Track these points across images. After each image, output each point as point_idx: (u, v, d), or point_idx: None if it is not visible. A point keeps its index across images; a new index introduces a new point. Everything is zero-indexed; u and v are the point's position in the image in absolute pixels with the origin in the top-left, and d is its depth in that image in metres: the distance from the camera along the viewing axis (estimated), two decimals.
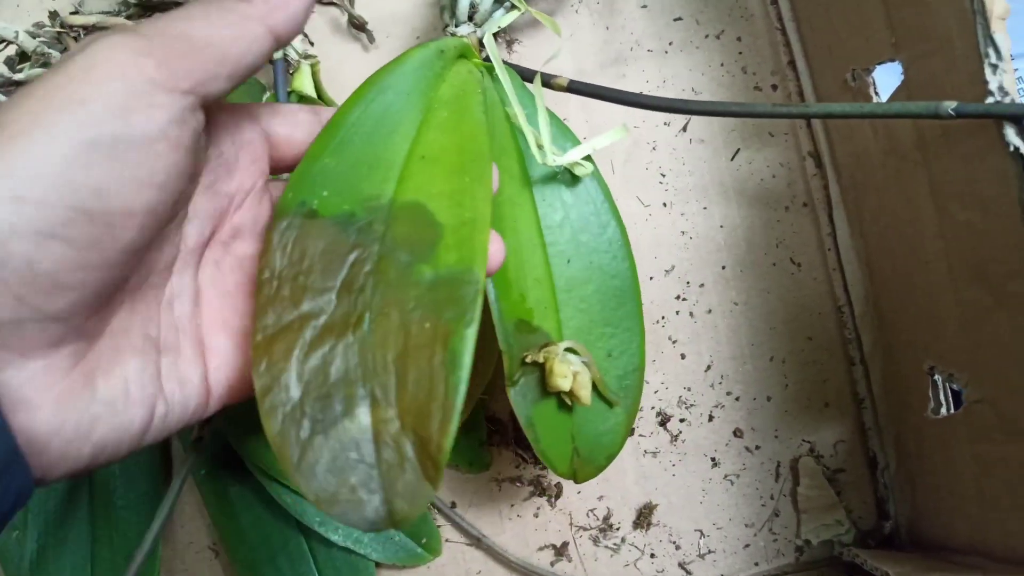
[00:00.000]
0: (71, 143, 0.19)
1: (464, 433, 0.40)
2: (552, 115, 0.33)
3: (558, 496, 0.39)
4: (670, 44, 0.42)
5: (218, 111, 0.25)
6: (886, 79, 0.36)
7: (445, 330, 0.23)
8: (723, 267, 0.40)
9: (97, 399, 0.21)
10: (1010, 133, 0.28)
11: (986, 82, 0.29)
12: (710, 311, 0.40)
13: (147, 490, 0.39)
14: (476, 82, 0.31)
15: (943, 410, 0.35)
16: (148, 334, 0.24)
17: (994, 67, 0.29)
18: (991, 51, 0.29)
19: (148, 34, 0.21)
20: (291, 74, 0.37)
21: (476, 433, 0.40)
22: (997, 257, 0.30)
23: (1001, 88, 0.29)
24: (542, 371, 0.31)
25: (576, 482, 0.32)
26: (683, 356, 0.40)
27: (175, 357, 0.24)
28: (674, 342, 0.40)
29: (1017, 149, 0.28)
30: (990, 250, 0.30)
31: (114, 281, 0.21)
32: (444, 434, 0.21)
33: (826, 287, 0.41)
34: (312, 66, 0.37)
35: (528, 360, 0.31)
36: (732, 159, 0.41)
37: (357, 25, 0.40)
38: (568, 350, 0.31)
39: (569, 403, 0.32)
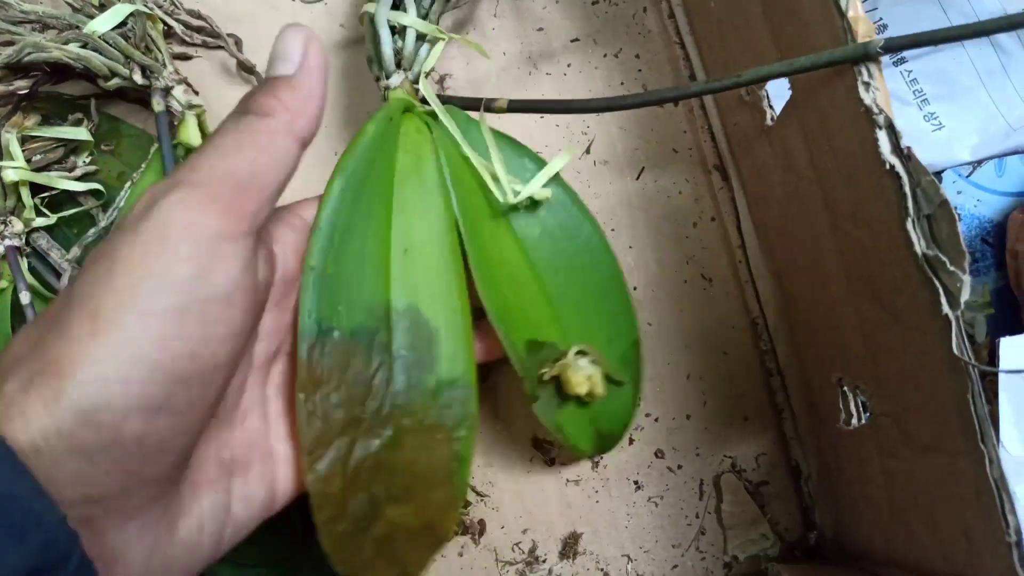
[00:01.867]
0: (164, 318, 0.19)
1: None
2: (502, 137, 0.34)
3: (482, 533, 0.39)
4: (568, 66, 0.41)
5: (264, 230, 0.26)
6: (780, 94, 0.36)
7: (458, 436, 0.30)
8: (634, 288, 0.40)
9: (176, 543, 0.22)
10: (885, 151, 0.28)
11: (860, 99, 0.29)
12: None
13: None
14: (427, 140, 0.32)
15: (853, 421, 0.35)
16: (222, 458, 0.24)
17: (867, 85, 0.29)
18: (863, 68, 0.29)
19: (201, 183, 0.21)
20: (176, 125, 0.36)
21: None
22: (885, 274, 0.30)
23: (875, 104, 0.28)
24: (557, 380, 0.33)
25: (601, 455, 0.38)
26: None
27: (245, 475, 0.25)
28: None
29: (893, 167, 0.28)
30: (879, 267, 0.30)
31: (203, 429, 0.22)
32: (444, 529, 0.30)
33: (739, 301, 0.40)
34: (198, 115, 0.36)
35: (546, 378, 0.33)
36: (637, 178, 0.41)
37: (246, 69, 0.39)
38: (578, 353, 0.33)
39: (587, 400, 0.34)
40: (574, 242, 0.35)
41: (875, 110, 0.28)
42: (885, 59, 0.41)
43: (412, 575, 0.30)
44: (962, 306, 0.27)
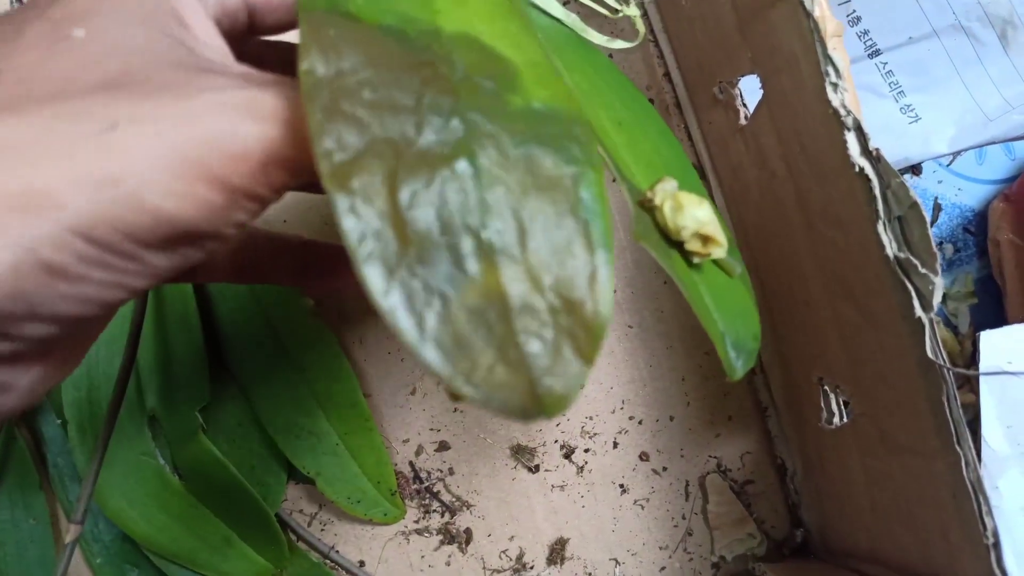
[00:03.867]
0: None
1: (375, 484, 0.39)
2: None
3: (468, 542, 0.39)
4: None
5: None
6: (751, 93, 0.36)
7: (571, 172, 0.18)
8: (614, 291, 0.40)
9: None
10: (854, 153, 0.28)
11: (828, 100, 0.28)
12: (605, 337, 0.40)
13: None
14: None
15: (835, 420, 0.35)
16: None
17: (834, 86, 0.28)
18: (830, 69, 0.28)
19: None
20: None
21: (385, 482, 0.39)
22: (859, 276, 0.30)
23: (843, 105, 0.28)
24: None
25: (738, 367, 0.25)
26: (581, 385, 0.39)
27: None
28: None
29: (862, 169, 0.28)
30: (853, 269, 0.30)
31: None
32: (598, 296, 0.17)
33: None
34: None
35: (654, 202, 0.25)
36: (614, 180, 0.40)
37: None
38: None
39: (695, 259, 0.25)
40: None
41: (843, 112, 0.28)
42: (860, 51, 0.40)
43: None
44: (935, 308, 0.27)
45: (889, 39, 0.39)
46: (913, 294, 0.27)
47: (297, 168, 0.18)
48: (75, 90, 0.18)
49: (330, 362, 0.36)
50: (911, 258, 0.27)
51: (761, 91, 0.34)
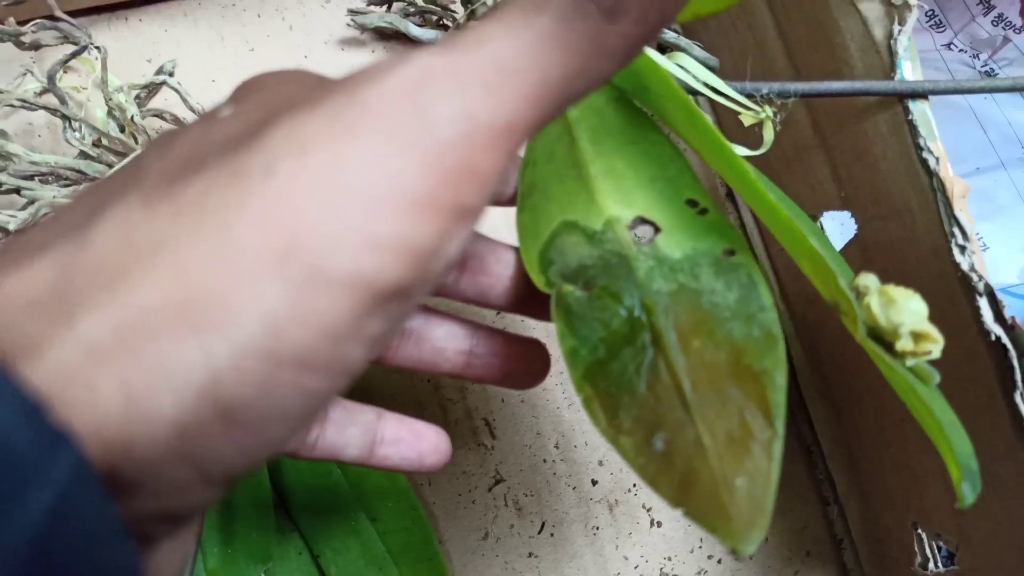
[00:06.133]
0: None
1: None
2: None
3: None
4: None
5: None
6: (836, 227, 0.35)
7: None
8: None
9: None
10: (988, 319, 0.27)
11: (956, 263, 0.28)
12: None
13: None
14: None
15: (931, 566, 0.34)
16: None
17: (962, 248, 0.28)
18: (956, 231, 0.28)
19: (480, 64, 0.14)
20: None
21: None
22: (984, 439, 0.29)
23: (974, 270, 0.28)
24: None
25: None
26: (659, 524, 0.38)
27: None
28: (648, 509, 0.38)
29: (998, 338, 0.27)
30: (972, 429, 0.29)
31: None
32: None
33: (790, 428, 0.39)
34: None
35: (862, 300, 0.22)
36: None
37: None
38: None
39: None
40: None
41: (975, 277, 0.27)
42: None
43: None
44: None
45: (957, 168, 0.39)
46: None
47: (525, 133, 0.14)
48: (222, 148, 0.13)
49: (404, 510, 0.34)
50: None
51: (855, 230, 0.33)
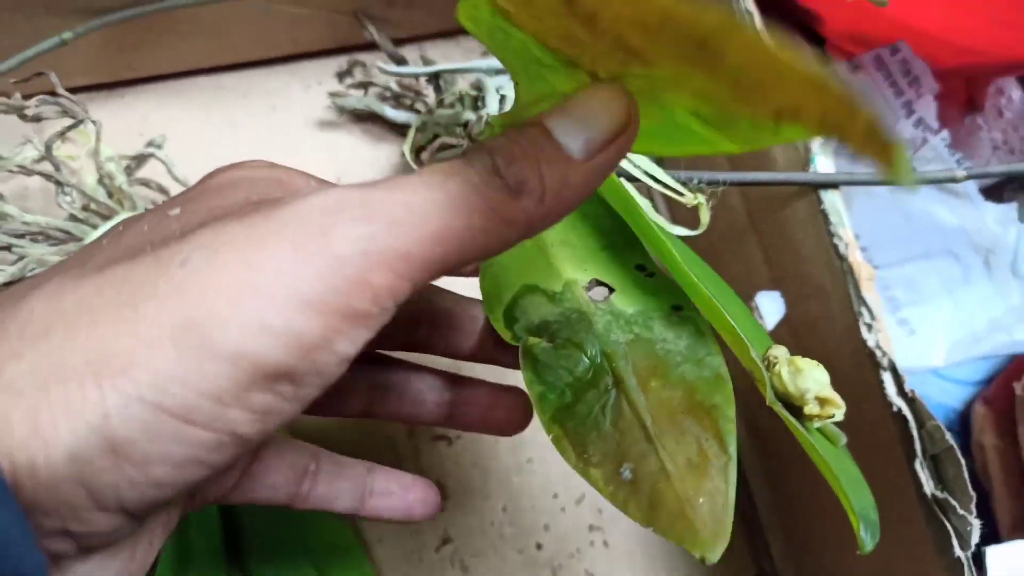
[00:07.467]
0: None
1: None
2: None
3: None
4: None
5: None
6: (770, 305, 0.38)
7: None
8: None
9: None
10: (891, 393, 0.30)
11: (864, 340, 0.30)
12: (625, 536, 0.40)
13: None
14: None
15: None
16: None
17: (868, 327, 0.30)
18: (864, 311, 0.31)
19: (382, 209, 0.17)
20: None
21: None
22: (892, 510, 0.31)
23: (878, 346, 0.30)
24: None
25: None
26: None
27: None
28: (591, 575, 0.39)
29: (900, 409, 0.29)
30: (880, 497, 0.31)
31: None
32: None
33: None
34: None
35: (773, 370, 0.25)
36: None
37: None
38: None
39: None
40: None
41: (879, 353, 0.30)
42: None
43: None
44: (972, 548, 0.28)
45: (885, 256, 0.42)
46: (952, 534, 0.28)
47: (429, 265, 0.16)
48: (158, 242, 0.17)
49: (353, 566, 0.35)
50: (949, 498, 0.28)
51: (785, 310, 0.36)
